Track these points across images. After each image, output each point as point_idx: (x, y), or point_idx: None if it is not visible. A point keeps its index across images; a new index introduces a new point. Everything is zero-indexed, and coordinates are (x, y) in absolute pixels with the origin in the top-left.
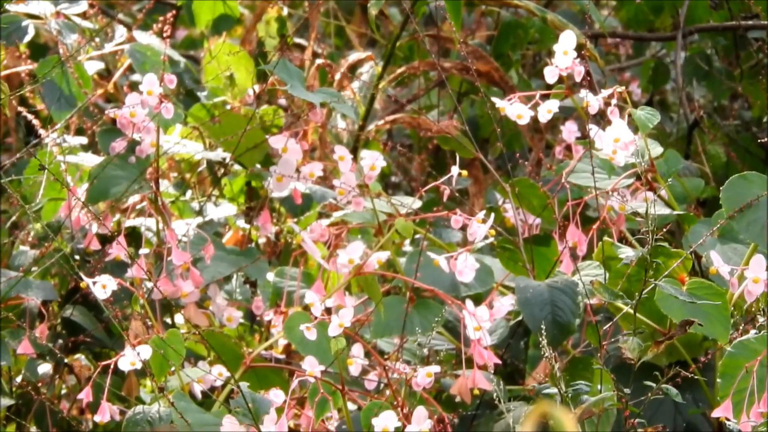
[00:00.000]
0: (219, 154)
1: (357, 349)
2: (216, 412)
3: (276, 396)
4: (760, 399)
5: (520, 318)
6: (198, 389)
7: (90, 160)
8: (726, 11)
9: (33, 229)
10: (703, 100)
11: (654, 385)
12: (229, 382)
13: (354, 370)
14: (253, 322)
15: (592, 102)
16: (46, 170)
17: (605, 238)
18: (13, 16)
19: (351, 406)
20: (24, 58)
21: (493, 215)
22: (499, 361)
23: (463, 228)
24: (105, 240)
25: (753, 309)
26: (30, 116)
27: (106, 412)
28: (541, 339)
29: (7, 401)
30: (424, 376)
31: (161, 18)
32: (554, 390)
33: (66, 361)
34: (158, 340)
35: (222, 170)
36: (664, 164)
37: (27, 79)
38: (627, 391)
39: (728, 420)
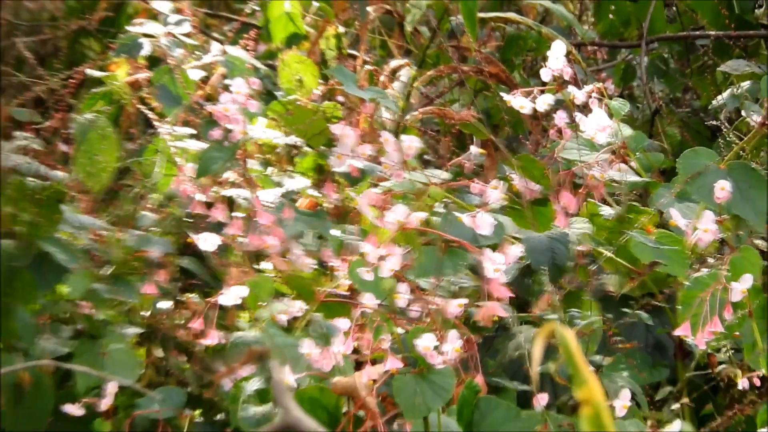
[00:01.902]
0: (292, 139)
1: (403, 287)
2: (297, 336)
3: (342, 323)
4: (712, 321)
5: (526, 262)
6: (283, 319)
7: (194, 145)
8: (679, 24)
9: (152, 199)
10: (662, 93)
11: (630, 311)
12: (307, 313)
13: (401, 303)
14: (323, 268)
15: (578, 95)
16: (161, 153)
17: (590, 199)
18: (133, 35)
19: (399, 330)
20: (142, 67)
21: (503, 183)
22: (511, 295)
23: (481, 193)
24: (208, 206)
25: (704, 253)
26: (148, 112)
27: (214, 337)
28: (542, 277)
29: (137, 330)
30: (454, 307)
31: (246, 35)
32: (554, 316)
33: (181, 298)
34: (251, 282)
35: (295, 151)
36: (632, 142)
37: (145, 83)
38: (609, 316)
39: (687, 337)
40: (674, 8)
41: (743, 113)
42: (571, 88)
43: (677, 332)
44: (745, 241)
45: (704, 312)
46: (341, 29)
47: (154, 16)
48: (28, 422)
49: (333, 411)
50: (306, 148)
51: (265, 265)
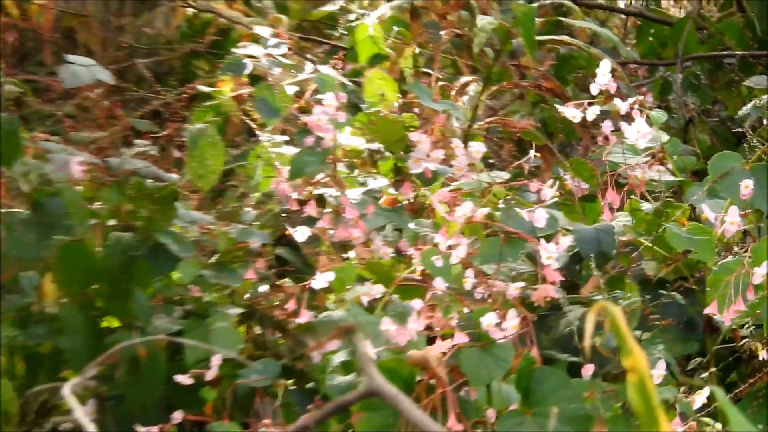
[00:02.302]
0: (375, 145)
1: (469, 272)
2: (377, 315)
3: (416, 304)
4: (736, 301)
5: (576, 250)
6: (365, 300)
7: (290, 151)
8: (709, 45)
9: (253, 197)
10: (694, 105)
11: (665, 293)
12: (385, 295)
13: (467, 286)
14: (400, 256)
15: (622, 107)
16: (261, 158)
17: (632, 196)
18: (237, 56)
19: (465, 310)
20: (245, 84)
21: (557, 182)
22: (562, 279)
23: (537, 191)
24: (301, 203)
25: (730, 242)
26: (250, 122)
27: (305, 316)
28: (590, 263)
29: (239, 310)
30: (513, 289)
31: (335, 56)
32: (600, 297)
33: (277, 283)
34: (338, 268)
35: (377, 156)
36: (669, 147)
37: (247, 98)
38: (647, 297)
39: (714, 315)
40: (705, 31)
41: (765, 122)
42: (616, 101)
43: (706, 310)
44: (766, 232)
45: (729, 293)
46: (417, 50)
47: (255, 39)
48: (144, 391)
49: (408, 380)
50: (386, 153)
51: (350, 253)
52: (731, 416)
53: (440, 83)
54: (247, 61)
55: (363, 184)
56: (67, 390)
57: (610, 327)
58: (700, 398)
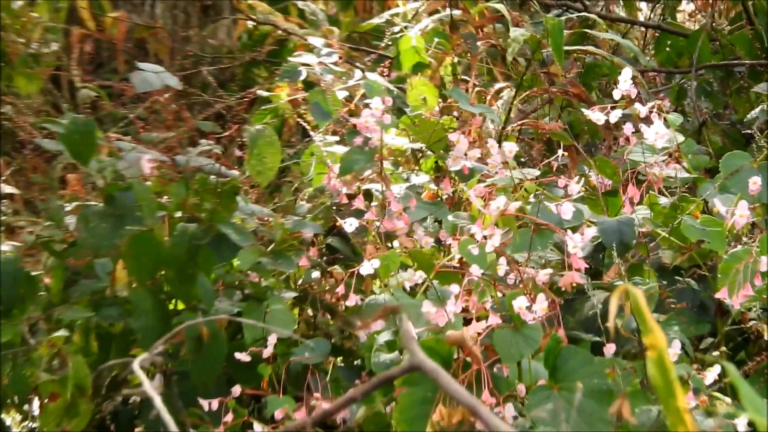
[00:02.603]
0: (417, 145)
1: (502, 260)
2: (418, 299)
3: (454, 289)
4: (745, 286)
5: (599, 240)
6: (407, 285)
7: (340, 150)
8: (721, 55)
9: (307, 191)
10: (707, 109)
11: (680, 279)
12: (426, 281)
13: (500, 272)
14: (439, 245)
15: (641, 110)
16: (314, 156)
17: (650, 191)
18: (293, 64)
19: (499, 294)
20: (300, 89)
21: (582, 179)
22: (587, 266)
23: (565, 187)
24: (350, 197)
25: (739, 233)
26: (304, 124)
27: (353, 300)
28: (612, 252)
29: (293, 294)
30: (543, 275)
31: (382, 65)
32: (621, 282)
33: (328, 269)
34: (383, 256)
35: (419, 154)
36: (684, 147)
37: (302, 102)
38: (664, 282)
39: (725, 299)
40: (717, 42)
41: None
42: (636, 105)
43: (717, 295)
44: None
45: (739, 279)
46: (456, 59)
47: (309, 49)
48: (206, 367)
49: (446, 357)
50: (428, 152)
51: (394, 243)
52: (742, 390)
53: (477, 89)
54: (301, 68)
55: (406, 180)
56: (136, 366)
57: (632, 308)
58: (711, 375)
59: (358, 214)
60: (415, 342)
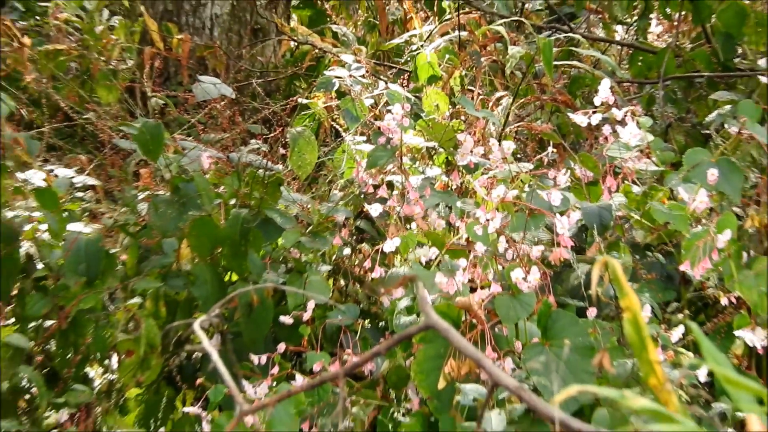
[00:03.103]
0: (431, 143)
1: (502, 239)
2: (432, 271)
3: (462, 262)
4: (704, 260)
5: (583, 222)
6: (423, 260)
7: (367, 148)
8: (684, 68)
9: (339, 182)
10: (672, 114)
11: (650, 254)
12: (438, 256)
13: (500, 249)
14: (450, 227)
15: (618, 115)
16: (345, 153)
17: (625, 182)
18: (328, 77)
19: (499, 267)
20: (333, 98)
21: (569, 171)
22: (572, 244)
23: (554, 178)
24: (375, 187)
25: (699, 216)
26: (337, 126)
27: (378, 272)
28: (594, 232)
29: (328, 267)
30: (536, 251)
31: (401, 77)
32: (600, 257)
33: (357, 247)
34: (403, 236)
35: (433, 151)
36: (653, 145)
37: (335, 108)
38: (637, 257)
39: (688, 271)
40: (681, 58)
41: (726, 126)
42: (613, 110)
43: (681, 268)
44: (726, 209)
45: (699, 254)
46: (463, 73)
47: (341, 64)
48: (256, 329)
49: (456, 319)
50: (440, 149)
51: (412, 225)
52: (703, 345)
53: (480, 97)
54: (335, 80)
55: (422, 173)
56: (197, 327)
57: (610, 278)
58: (676, 333)
59: (382, 201)
60: (430, 306)
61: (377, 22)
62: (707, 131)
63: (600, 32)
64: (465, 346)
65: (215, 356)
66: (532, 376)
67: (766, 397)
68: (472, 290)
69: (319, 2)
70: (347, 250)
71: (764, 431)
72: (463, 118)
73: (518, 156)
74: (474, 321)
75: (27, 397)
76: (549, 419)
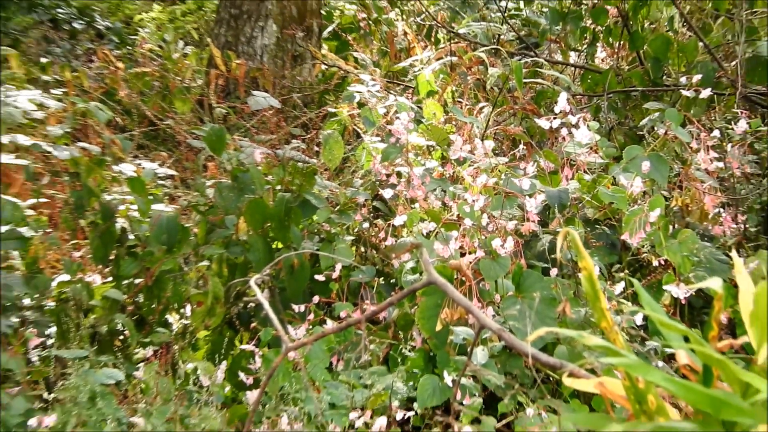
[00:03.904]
0: (429, 142)
1: (484, 216)
2: (431, 240)
3: (454, 234)
4: (639, 231)
5: (546, 202)
6: (424, 232)
7: (381, 146)
8: (623, 84)
9: (360, 172)
10: (614, 119)
11: (599, 227)
12: (436, 228)
13: (484, 223)
14: (444, 206)
15: (573, 120)
16: (365, 150)
17: (579, 171)
18: (350, 91)
19: (483, 237)
20: (355, 107)
21: (536, 164)
22: (538, 219)
23: (524, 169)
24: (387, 176)
25: (636, 197)
26: (358, 129)
27: (390, 240)
28: (555, 210)
29: (351, 237)
30: (510, 225)
31: (407, 92)
32: (560, 228)
33: (374, 221)
34: (409, 213)
35: (432, 148)
36: (600, 143)
37: (356, 115)
38: (588, 229)
39: (627, 240)
40: (620, 76)
41: (655, 128)
42: (569, 117)
43: (622, 237)
44: (656, 192)
45: (636, 227)
46: (454, 88)
47: (361, 82)
48: (296, 285)
49: (449, 277)
50: (437, 147)
51: (415, 205)
52: (641, 295)
53: (467, 107)
54: (356, 94)
55: (423, 165)
56: (252, 283)
57: (570, 245)
58: (619, 287)
59: (393, 186)
60: (431, 267)
61: (388, 50)
62: (641, 132)
63: (558, 57)
64: (458, 297)
65: (266, 305)
66: (509, 321)
67: (690, 336)
68: (462, 255)
69: (343, 35)
70: (366, 224)
71: (690, 363)
72: (454, 123)
73: (496, 152)
74: (463, 279)
75: (121, 337)
76: (524, 353)
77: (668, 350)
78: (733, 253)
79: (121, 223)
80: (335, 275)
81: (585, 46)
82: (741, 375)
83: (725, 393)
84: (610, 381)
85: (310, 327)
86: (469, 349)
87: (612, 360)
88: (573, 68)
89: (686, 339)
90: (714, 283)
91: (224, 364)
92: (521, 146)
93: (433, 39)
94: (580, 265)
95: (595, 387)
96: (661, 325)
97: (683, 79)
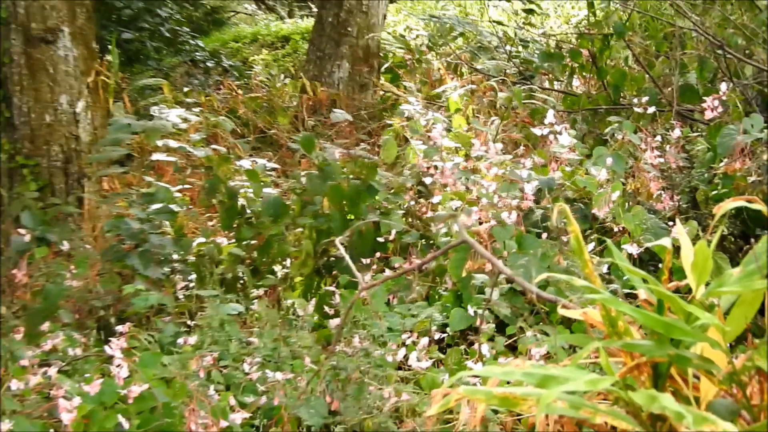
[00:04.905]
0: (457, 145)
1: (495, 196)
2: (459, 213)
3: (474, 209)
4: (604, 206)
5: (539, 187)
6: (453, 207)
7: (423, 147)
8: (593, 103)
9: (408, 165)
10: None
11: (575, 203)
12: (462, 205)
13: (495, 201)
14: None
15: (558, 129)
16: (411, 150)
17: (562, 165)
18: (401, 109)
19: (495, 211)
20: (404, 120)
21: (531, 160)
22: (534, 198)
23: (523, 164)
24: (427, 168)
25: (602, 183)
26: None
27: (429, 213)
28: (545, 192)
29: (401, 211)
30: (514, 202)
31: (440, 109)
32: (549, 205)
33: (419, 199)
34: (443, 194)
35: (458, 149)
36: (576, 145)
37: (405, 126)
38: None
39: (596, 212)
40: (591, 98)
41: (615, 135)
42: (555, 126)
43: (593, 211)
44: (616, 179)
45: (602, 203)
46: (473, 107)
47: (408, 102)
48: (364, 245)
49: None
50: (462, 148)
51: (447, 188)
52: (612, 250)
53: (483, 120)
54: (405, 111)
55: (452, 161)
56: (337, 242)
57: (562, 215)
58: (590, 246)
59: (431, 176)
60: (464, 230)
61: (427, 80)
62: (605, 138)
63: (547, 84)
64: (483, 252)
65: (347, 258)
66: (516, 269)
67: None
68: (480, 224)
69: (395, 69)
70: (412, 202)
71: (647, 298)
72: (473, 131)
73: (504, 151)
74: (481, 240)
75: (241, 282)
76: (529, 291)
77: (626, 291)
78: (677, 222)
79: (241, 201)
80: (391, 238)
81: (565, 77)
82: (685, 307)
83: (674, 320)
84: (591, 311)
85: (374, 274)
86: (486, 289)
87: (593, 296)
88: (557, 93)
89: (644, 281)
90: (665, 242)
91: (314, 301)
92: (521, 147)
93: (458, 72)
94: (569, 229)
95: (580, 315)
96: (627, 271)
97: (635, 100)
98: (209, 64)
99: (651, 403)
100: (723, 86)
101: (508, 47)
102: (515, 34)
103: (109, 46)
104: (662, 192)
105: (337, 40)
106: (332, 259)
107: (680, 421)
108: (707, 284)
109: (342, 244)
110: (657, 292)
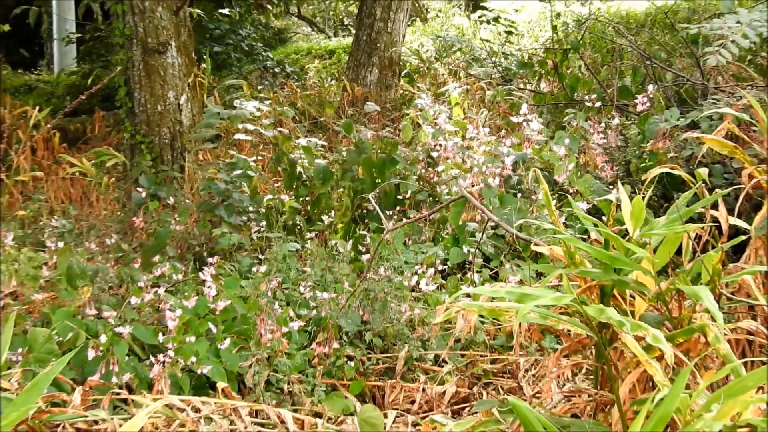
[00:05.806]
0: (456, 129)
1: (484, 167)
2: (460, 177)
3: (468, 175)
4: (563, 174)
5: (516, 160)
6: (453, 174)
7: (431, 130)
8: (554, 100)
9: (420, 143)
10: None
11: (543, 171)
12: (460, 173)
13: (483, 170)
14: (463, 161)
15: (530, 118)
16: (422, 133)
17: (532, 144)
18: (415, 103)
19: (482, 177)
20: (418, 110)
21: (510, 140)
22: (512, 168)
23: (504, 143)
24: (434, 146)
25: (561, 157)
26: (420, 122)
27: (436, 178)
28: (519, 163)
29: (415, 176)
30: (497, 171)
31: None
32: (524, 173)
33: (429, 168)
34: (446, 165)
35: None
36: (543, 130)
37: (418, 115)
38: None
39: (557, 178)
40: (553, 95)
41: (571, 122)
42: (528, 116)
43: (555, 177)
44: (572, 155)
45: (562, 172)
46: (468, 101)
47: (420, 98)
48: (388, 201)
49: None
50: (460, 131)
51: (448, 161)
52: (572, 203)
53: (475, 111)
54: (418, 104)
55: (453, 140)
56: (370, 197)
57: (537, 178)
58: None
59: (437, 151)
60: (464, 188)
61: (434, 82)
62: (564, 124)
63: (522, 86)
64: (476, 203)
65: (378, 209)
66: (500, 218)
67: (598, 224)
68: (472, 186)
69: (412, 74)
70: (423, 170)
71: (597, 238)
72: (468, 119)
73: (490, 134)
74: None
75: (298, 227)
76: (510, 233)
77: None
78: (618, 184)
79: (299, 169)
80: (407, 196)
81: (535, 80)
82: (624, 244)
83: (616, 254)
84: (555, 248)
85: (395, 222)
86: (477, 234)
87: (559, 236)
88: (529, 92)
89: (595, 225)
90: (612, 197)
91: (351, 241)
92: (503, 131)
93: (457, 76)
94: (540, 188)
95: (548, 251)
96: (583, 218)
97: (586, 97)
98: (276, 70)
99: (600, 314)
100: (650, 87)
101: (493, 59)
102: (499, 49)
103: (204, 56)
104: (605, 164)
105: (369, 53)
106: (365, 211)
107: (621, 328)
108: (641, 229)
109: (372, 200)
110: (604, 234)
